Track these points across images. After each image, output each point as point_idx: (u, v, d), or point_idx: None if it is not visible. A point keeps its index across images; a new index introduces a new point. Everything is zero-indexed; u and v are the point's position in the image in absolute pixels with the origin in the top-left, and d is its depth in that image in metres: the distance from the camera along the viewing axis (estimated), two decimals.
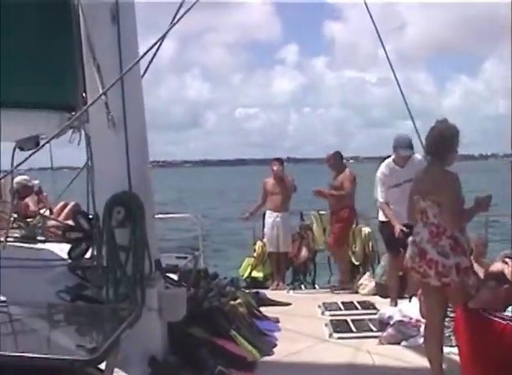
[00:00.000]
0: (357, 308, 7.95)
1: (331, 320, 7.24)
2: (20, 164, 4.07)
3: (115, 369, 3.30)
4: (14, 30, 4.71)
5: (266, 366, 5.60)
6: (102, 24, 4.33)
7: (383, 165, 8.13)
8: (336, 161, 10.48)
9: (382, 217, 8.31)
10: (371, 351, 6.03)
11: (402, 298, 7.97)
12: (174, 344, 4.76)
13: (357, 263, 10.45)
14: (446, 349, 5.12)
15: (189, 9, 4.10)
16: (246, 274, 11.07)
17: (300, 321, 7.42)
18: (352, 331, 6.78)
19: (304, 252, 10.88)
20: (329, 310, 7.88)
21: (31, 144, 4.78)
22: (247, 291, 8.36)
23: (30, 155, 3.94)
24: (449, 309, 5.14)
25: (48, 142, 4.26)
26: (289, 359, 5.86)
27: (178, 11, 4.26)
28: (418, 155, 7.66)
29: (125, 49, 4.32)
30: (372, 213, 9.69)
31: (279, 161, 11.41)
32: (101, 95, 4.05)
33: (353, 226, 10.59)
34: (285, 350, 6.09)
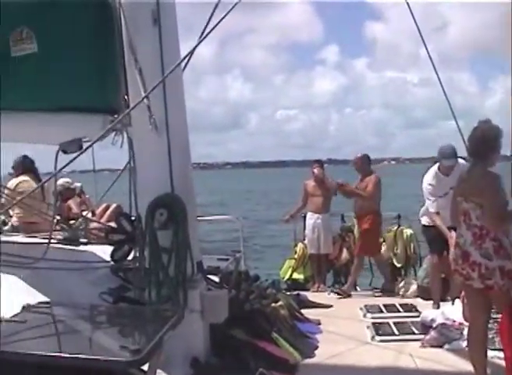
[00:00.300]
0: (399, 311, 7.89)
1: (373, 323, 7.21)
2: (64, 167, 4.10)
3: (158, 371, 3.32)
4: (56, 34, 4.76)
5: (307, 369, 5.59)
6: (144, 27, 4.35)
7: (429, 175, 8.09)
8: (364, 164, 10.44)
9: (425, 221, 8.27)
10: (414, 354, 5.99)
11: (445, 300, 7.91)
12: (216, 345, 4.77)
13: (398, 265, 10.38)
14: (490, 353, 5.06)
15: (229, 11, 4.10)
16: (287, 276, 11.06)
17: (342, 323, 7.39)
18: (394, 334, 6.73)
19: (345, 254, 10.84)
20: (371, 312, 7.84)
21: (74, 147, 4.81)
22: (288, 293, 8.34)
23: (74, 158, 3.97)
24: (493, 310, 5.08)
25: (91, 145, 4.29)
26: (330, 362, 5.84)
27: (213, 12, 4.27)
28: (463, 160, 7.62)
29: (166, 51, 4.33)
30: (414, 215, 9.62)
31: (319, 163, 11.40)
32: (143, 99, 4.07)
33: (396, 228, 10.53)
34: (326, 352, 6.07)
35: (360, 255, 10.14)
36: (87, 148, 4.30)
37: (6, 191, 7.85)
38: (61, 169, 4.29)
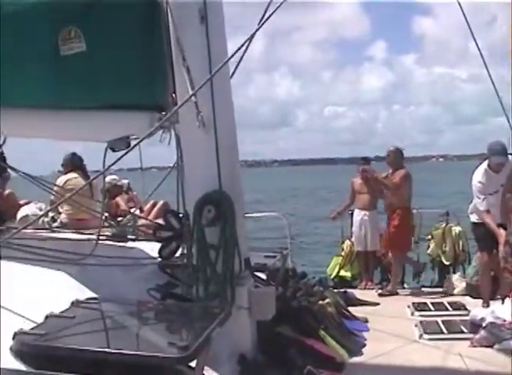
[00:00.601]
0: (447, 309, 7.83)
1: (421, 321, 7.16)
2: (113, 164, 4.13)
3: (205, 367, 3.33)
4: (104, 33, 4.79)
5: (354, 367, 5.57)
6: (191, 25, 4.36)
7: (479, 173, 8.01)
8: (396, 158, 10.40)
9: (474, 218, 8.19)
10: (463, 353, 5.93)
11: (494, 299, 7.81)
12: (263, 343, 4.77)
13: (447, 263, 10.30)
14: None
15: (277, 9, 4.09)
16: (334, 273, 11.05)
17: (389, 321, 7.35)
18: (443, 332, 6.68)
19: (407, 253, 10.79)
20: (419, 310, 7.79)
21: (122, 144, 4.85)
22: (336, 290, 8.32)
23: (122, 156, 4.00)
24: None
25: (139, 142, 4.32)
26: (377, 360, 5.81)
27: (266, 9, 4.26)
28: None
29: (213, 49, 4.33)
30: (463, 212, 9.54)
31: (366, 160, 11.35)
32: (191, 96, 4.08)
33: (444, 225, 10.44)
34: (373, 350, 6.04)
35: (394, 254, 10.11)
36: (135, 145, 4.33)
37: (55, 188, 7.95)
38: (109, 167, 4.33)
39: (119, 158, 4.01)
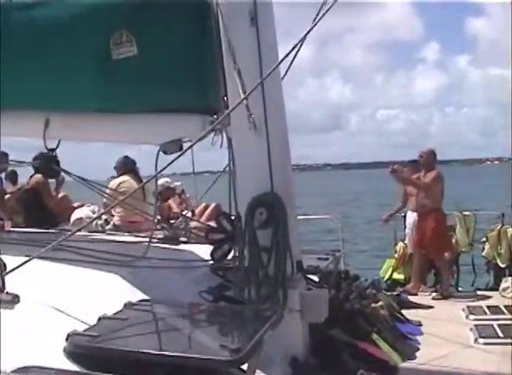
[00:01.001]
0: (503, 313, 7.71)
1: (476, 325, 7.06)
2: (166, 167, 4.14)
3: (257, 370, 3.31)
4: (156, 36, 4.82)
5: (408, 371, 5.51)
6: (241, 27, 4.35)
7: None
8: (428, 159, 10.33)
9: None
10: None
11: None
12: (315, 345, 4.74)
13: (502, 265, 10.16)
14: None
15: (328, 9, 4.06)
16: (387, 276, 11.01)
17: (443, 325, 7.27)
18: (499, 337, 6.57)
19: (447, 254, 10.69)
20: (474, 314, 7.69)
21: (175, 147, 4.87)
22: (389, 293, 8.26)
23: (176, 158, 4.00)
24: None
25: (193, 145, 4.33)
26: (431, 364, 5.74)
27: (320, 10, 4.23)
28: None
29: (264, 51, 4.32)
30: None
31: (415, 163, 11.29)
32: (243, 99, 4.07)
33: (499, 227, 10.32)
34: (428, 355, 5.98)
35: (416, 252, 10.01)
36: (189, 147, 4.33)
37: (108, 191, 8.03)
38: (162, 170, 4.34)
39: (172, 161, 4.01)
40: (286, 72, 4.75)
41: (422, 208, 10.21)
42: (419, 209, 10.36)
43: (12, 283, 3.62)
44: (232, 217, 4.85)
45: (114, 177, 10.88)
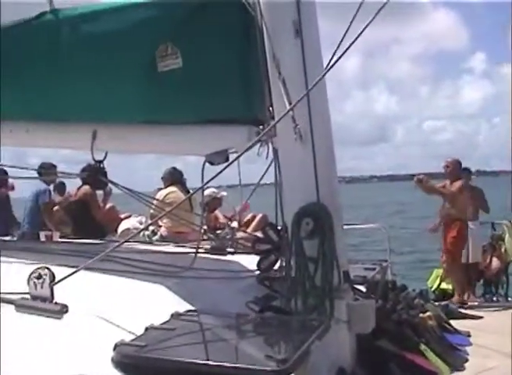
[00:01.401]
0: None
1: None
2: (213, 178, 4.15)
3: None
4: (200, 48, 4.85)
5: None
6: (285, 38, 4.35)
7: None
8: (454, 169, 10.25)
9: None
10: None
11: None
12: (362, 356, 4.71)
13: None
14: None
15: (373, 19, 4.04)
16: (435, 286, 10.91)
17: (493, 336, 7.15)
18: None
19: (496, 263, 10.60)
20: None
21: (221, 158, 4.89)
22: (437, 303, 8.18)
23: (223, 169, 4.02)
24: None
25: (239, 156, 4.35)
26: None
27: (356, 15, 4.21)
28: None
29: (309, 62, 4.32)
30: None
31: (467, 171, 11.21)
32: (289, 110, 4.08)
33: None
34: (477, 366, 5.88)
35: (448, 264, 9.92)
36: (237, 158, 4.36)
37: (155, 202, 8.09)
38: (210, 180, 4.33)
39: (220, 172, 4.03)
40: (325, 73, 4.72)
41: (447, 218, 10.15)
42: (444, 218, 10.30)
43: (60, 293, 3.68)
44: (279, 227, 4.86)
45: (161, 189, 10.97)
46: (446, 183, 10.52)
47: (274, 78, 4.42)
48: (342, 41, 3.96)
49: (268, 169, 4.96)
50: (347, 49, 3.98)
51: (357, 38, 3.96)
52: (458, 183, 10.24)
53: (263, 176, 5.21)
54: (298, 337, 3.63)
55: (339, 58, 4.00)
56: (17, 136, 5.61)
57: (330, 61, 4.05)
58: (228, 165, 4.18)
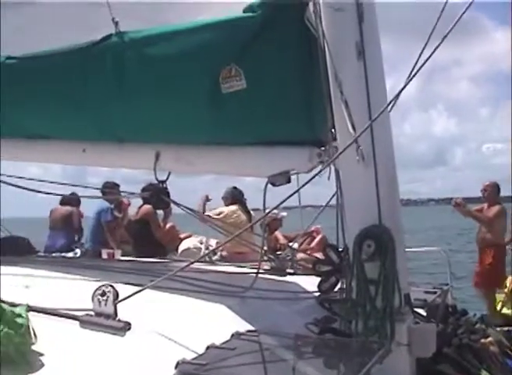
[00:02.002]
0: None
1: None
2: (284, 201, 4.16)
3: None
4: (263, 70, 4.89)
5: None
6: (348, 60, 4.36)
7: None
8: (492, 193, 10.09)
9: None
10: None
11: None
12: None
13: None
14: None
15: (441, 42, 4.02)
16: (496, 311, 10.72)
17: None
18: None
19: None
20: None
21: (283, 179, 4.92)
22: (499, 328, 8.04)
23: (295, 192, 4.06)
24: None
25: (309, 181, 4.37)
26: None
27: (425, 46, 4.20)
28: None
29: (372, 84, 4.32)
30: None
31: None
32: (354, 140, 4.09)
33: None
34: None
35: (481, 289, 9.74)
36: (306, 183, 4.37)
37: (218, 223, 8.14)
38: (282, 203, 4.29)
39: (287, 197, 4.07)
40: (392, 105, 4.73)
41: (483, 243, 10.01)
42: (480, 243, 10.16)
43: (122, 311, 3.73)
44: (340, 249, 4.84)
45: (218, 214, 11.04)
46: (484, 207, 10.39)
47: (336, 99, 4.42)
48: (415, 66, 3.95)
49: (336, 192, 4.94)
50: (415, 75, 3.97)
51: (424, 63, 3.94)
52: (495, 208, 10.11)
53: (331, 198, 5.19)
54: (358, 359, 3.62)
55: (406, 84, 4.00)
56: (85, 155, 5.74)
57: (403, 88, 4.04)
58: (297, 191, 4.24)
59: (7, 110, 5.56)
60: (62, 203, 14.08)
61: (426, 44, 4.19)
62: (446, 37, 3.95)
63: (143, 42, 5.12)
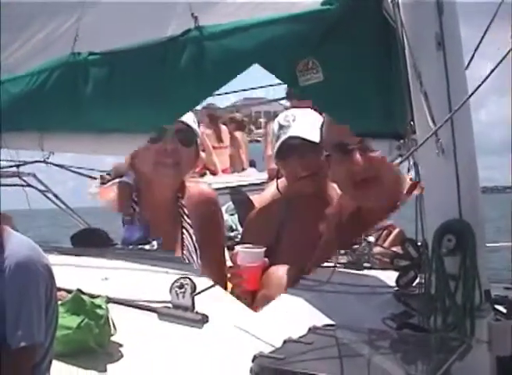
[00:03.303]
0: None
1: None
2: None
3: None
4: (341, 62, 4.85)
5: None
6: (427, 50, 4.28)
7: None
8: None
9: None
10: None
11: None
12: None
13: None
14: None
15: None
16: None
17: None
18: None
19: None
20: None
21: None
22: None
23: None
24: None
25: None
26: None
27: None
28: None
29: (452, 75, 4.23)
30: None
31: None
32: (433, 133, 4.02)
33: None
34: None
35: None
36: None
37: None
38: None
39: None
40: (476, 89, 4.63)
41: None
42: None
43: (199, 303, 3.75)
44: (418, 243, 4.77)
45: None
46: None
47: (415, 91, 4.35)
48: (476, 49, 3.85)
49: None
50: (498, 64, 3.86)
51: (509, 52, 3.81)
52: None
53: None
54: (438, 356, 3.56)
55: (489, 75, 3.89)
56: None
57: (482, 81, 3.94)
58: None
59: (91, 105, 5.61)
60: None
61: None
62: None
63: (222, 35, 5.12)
